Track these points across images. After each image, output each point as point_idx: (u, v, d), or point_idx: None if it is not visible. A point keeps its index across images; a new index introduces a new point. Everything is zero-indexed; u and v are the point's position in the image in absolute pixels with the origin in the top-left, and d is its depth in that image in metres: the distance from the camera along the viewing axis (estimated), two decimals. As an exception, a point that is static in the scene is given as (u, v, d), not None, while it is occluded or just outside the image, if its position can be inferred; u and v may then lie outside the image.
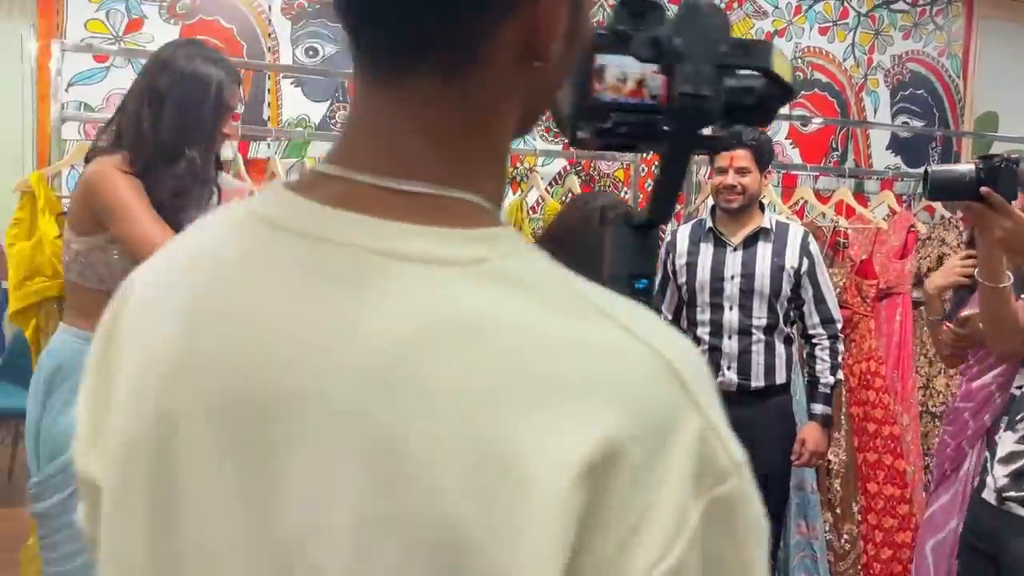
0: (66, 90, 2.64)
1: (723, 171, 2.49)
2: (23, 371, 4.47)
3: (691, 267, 2.63)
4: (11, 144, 5.50)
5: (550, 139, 3.20)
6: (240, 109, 2.87)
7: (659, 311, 2.77)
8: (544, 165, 3.24)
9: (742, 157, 2.43)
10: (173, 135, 1.77)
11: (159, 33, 2.76)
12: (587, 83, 0.60)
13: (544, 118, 0.58)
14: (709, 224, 2.66)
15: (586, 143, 0.64)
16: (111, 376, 0.55)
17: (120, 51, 2.69)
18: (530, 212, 2.94)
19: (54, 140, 2.42)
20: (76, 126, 2.58)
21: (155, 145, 1.77)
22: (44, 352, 1.88)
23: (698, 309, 2.60)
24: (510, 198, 3.18)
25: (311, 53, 2.96)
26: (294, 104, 2.95)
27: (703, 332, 2.60)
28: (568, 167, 3.24)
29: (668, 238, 2.79)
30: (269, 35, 2.91)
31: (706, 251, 2.63)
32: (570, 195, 2.98)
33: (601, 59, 0.60)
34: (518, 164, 3.22)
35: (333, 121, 2.99)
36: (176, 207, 1.79)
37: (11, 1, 5.27)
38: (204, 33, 2.82)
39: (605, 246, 0.65)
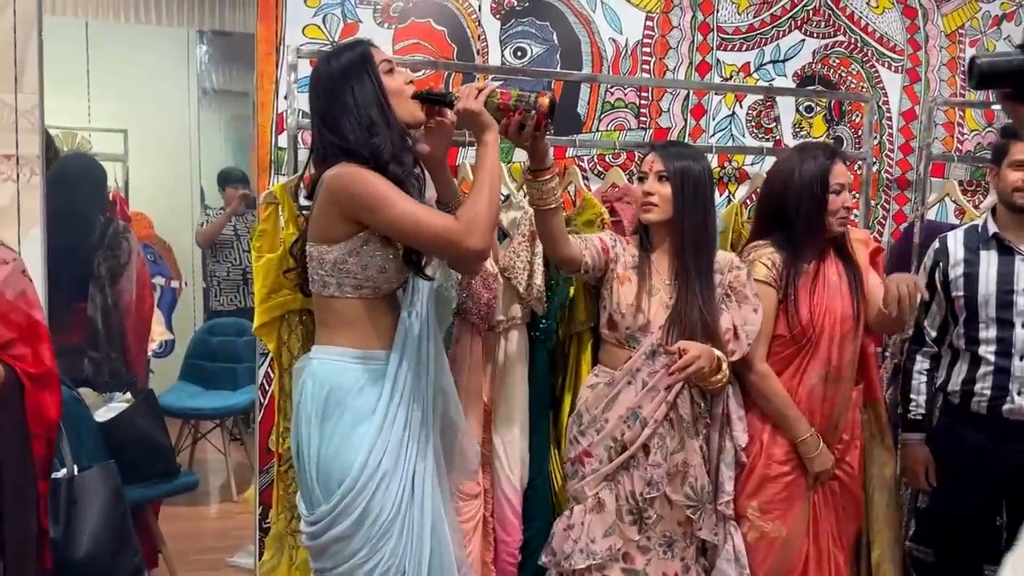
0: (284, 97, 2.62)
1: (1020, 165, 2.28)
2: (204, 372, 4.60)
3: (971, 278, 2.41)
4: (178, 145, 5.67)
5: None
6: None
7: (920, 326, 2.56)
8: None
9: None
10: (384, 134, 1.82)
11: (373, 37, 2.68)
12: None
13: None
14: (993, 229, 2.44)
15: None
16: None
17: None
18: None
19: (289, 148, 2.40)
20: (295, 134, 2.56)
21: (379, 144, 1.80)
22: (306, 376, 1.83)
23: (981, 325, 2.38)
24: (724, 201, 3.02)
25: (519, 54, 2.87)
26: (501, 107, 2.86)
27: (986, 351, 2.38)
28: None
29: (937, 245, 2.57)
30: (479, 37, 2.83)
31: (989, 259, 2.40)
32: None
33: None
34: (725, 164, 3.07)
35: (538, 123, 2.89)
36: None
37: (176, 4, 5.40)
38: (416, 36, 2.77)
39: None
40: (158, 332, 4.21)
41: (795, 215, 2.26)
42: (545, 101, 1.90)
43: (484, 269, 2.38)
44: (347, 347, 1.83)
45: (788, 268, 2.24)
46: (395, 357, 1.83)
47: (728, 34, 3.07)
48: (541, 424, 2.46)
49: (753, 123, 3.11)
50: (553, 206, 2.06)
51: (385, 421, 1.78)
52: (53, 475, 2.07)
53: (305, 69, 2.65)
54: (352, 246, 1.80)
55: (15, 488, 1.75)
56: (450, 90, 2.08)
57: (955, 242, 2.49)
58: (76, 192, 3.17)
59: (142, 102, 5.53)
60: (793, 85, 3.12)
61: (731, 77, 3.06)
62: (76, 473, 2.20)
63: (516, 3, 2.85)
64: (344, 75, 1.83)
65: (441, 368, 1.97)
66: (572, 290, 2.48)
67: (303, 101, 2.63)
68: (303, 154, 2.48)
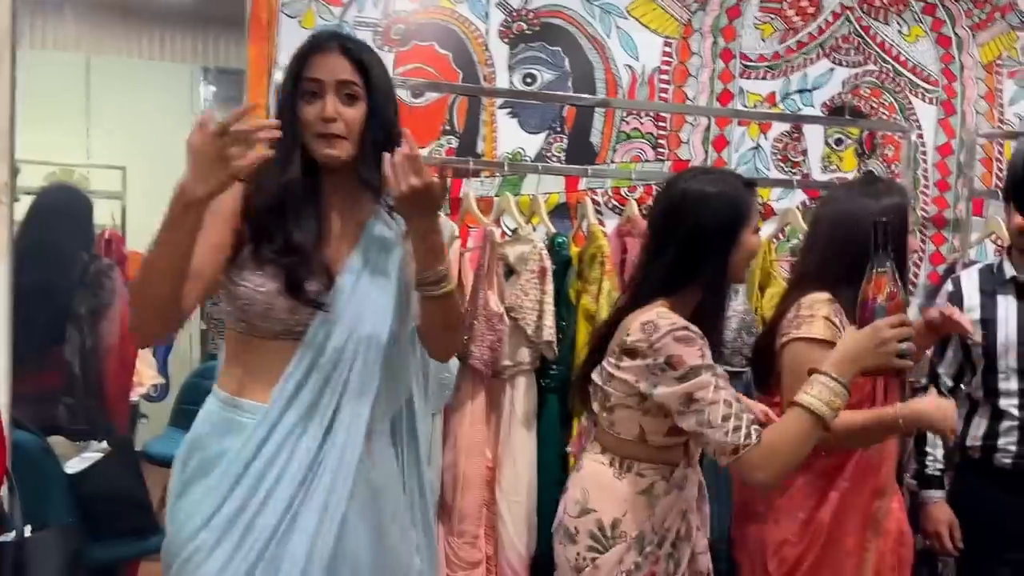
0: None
1: None
2: (195, 418, 4.37)
3: (988, 325, 2.20)
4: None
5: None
6: (454, 144, 2.66)
7: (935, 375, 2.32)
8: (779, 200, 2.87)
9: None
10: None
11: (373, 61, 2.54)
12: None
13: None
14: (1011, 272, 2.22)
15: None
16: None
17: None
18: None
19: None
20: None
21: None
22: None
23: (1000, 376, 2.18)
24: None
25: (528, 80, 2.69)
26: (510, 136, 2.68)
27: (1008, 404, 2.18)
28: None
29: (950, 287, 2.35)
30: (486, 62, 2.65)
31: (1007, 306, 2.20)
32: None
33: None
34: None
35: (549, 154, 2.71)
36: None
37: (180, 41, 5.31)
38: (419, 60, 2.59)
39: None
40: (148, 376, 4.01)
41: None
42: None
43: (488, 308, 2.17)
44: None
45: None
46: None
47: (752, 61, 2.89)
48: (551, 484, 2.22)
49: (779, 156, 2.91)
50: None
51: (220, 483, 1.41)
52: (-1, 539, 1.85)
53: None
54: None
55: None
56: None
57: (969, 284, 2.27)
58: (55, 225, 3.00)
59: (143, 139, 5.41)
60: (822, 116, 2.94)
61: (755, 107, 2.88)
62: (27, 536, 1.97)
63: (526, 27, 2.68)
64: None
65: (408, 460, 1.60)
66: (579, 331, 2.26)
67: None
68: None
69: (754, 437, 1.50)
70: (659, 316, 1.57)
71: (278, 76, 2.37)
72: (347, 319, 1.44)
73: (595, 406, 1.68)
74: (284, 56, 2.47)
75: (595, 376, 1.66)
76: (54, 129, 4.90)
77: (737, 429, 1.50)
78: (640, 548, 1.61)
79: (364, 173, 1.46)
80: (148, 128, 5.37)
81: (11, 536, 1.97)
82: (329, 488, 1.41)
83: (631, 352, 1.58)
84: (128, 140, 5.33)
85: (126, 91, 5.36)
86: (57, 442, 2.71)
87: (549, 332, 2.20)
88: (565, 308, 2.28)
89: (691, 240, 1.61)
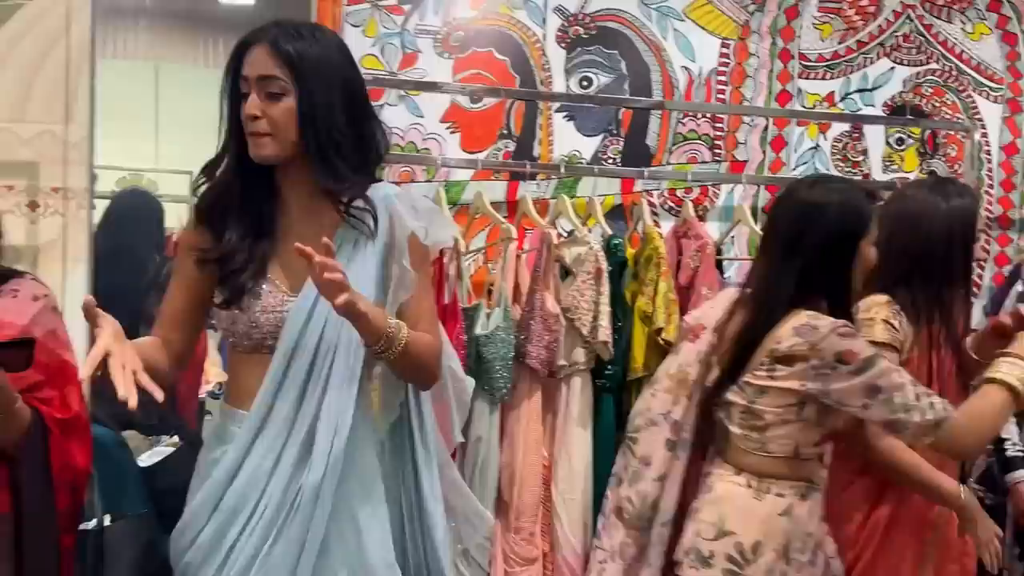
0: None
1: None
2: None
3: None
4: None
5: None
6: (511, 147, 2.70)
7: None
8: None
9: None
10: None
11: (433, 67, 2.60)
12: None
13: None
14: None
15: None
16: None
17: (417, 84, 2.55)
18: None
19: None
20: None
21: None
22: None
23: None
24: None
25: (585, 83, 2.72)
26: (566, 139, 2.71)
27: None
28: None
29: (1020, 287, 2.31)
30: (543, 66, 2.69)
31: None
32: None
33: None
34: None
35: (605, 156, 2.73)
36: None
37: (133, 35, 5.41)
38: (477, 66, 2.64)
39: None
40: (214, 374, 4.12)
41: (939, 265, 1.85)
42: None
43: (545, 309, 2.20)
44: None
45: (918, 329, 1.85)
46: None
47: (811, 62, 2.87)
48: (607, 483, 2.24)
49: (839, 156, 2.89)
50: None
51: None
52: (80, 527, 1.93)
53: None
54: None
55: (37, 543, 1.61)
56: None
57: None
58: (129, 229, 3.11)
59: (208, 144, 5.55)
60: (883, 115, 2.90)
61: (814, 107, 2.86)
62: (106, 524, 2.06)
63: (583, 31, 2.70)
64: None
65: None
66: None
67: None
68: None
69: (949, 408, 1.55)
70: (812, 318, 1.58)
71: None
72: (314, 327, 1.37)
73: (733, 428, 1.66)
74: (347, 63, 2.54)
75: (734, 397, 1.65)
76: (125, 135, 5.07)
77: (933, 405, 1.54)
78: (787, 558, 1.62)
79: (320, 179, 1.36)
80: (213, 134, 5.53)
81: (92, 524, 2.06)
82: (312, 504, 1.36)
83: (787, 359, 1.58)
84: (194, 145, 5.48)
85: (192, 97, 5.52)
86: (130, 436, 2.81)
87: (605, 333, 2.22)
88: (621, 309, 2.30)
89: (818, 250, 1.61)
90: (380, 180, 1.49)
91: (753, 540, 1.60)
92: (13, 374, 1.49)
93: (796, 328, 1.58)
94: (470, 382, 1.69)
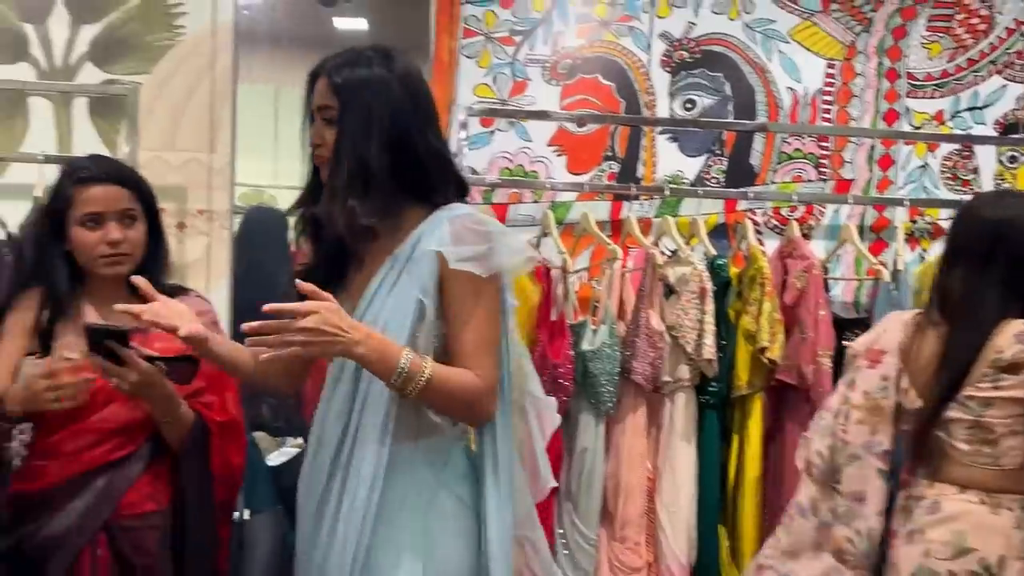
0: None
1: None
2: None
3: None
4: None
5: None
6: (615, 168, 2.79)
7: None
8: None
9: None
10: None
11: (541, 95, 2.72)
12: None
13: None
14: None
15: None
16: None
17: (529, 113, 2.68)
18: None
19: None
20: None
21: None
22: None
23: None
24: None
25: (689, 105, 2.79)
26: (669, 159, 2.79)
27: None
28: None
29: None
30: (647, 90, 2.78)
31: None
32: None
33: None
34: (917, 218, 2.84)
35: (708, 176, 2.80)
36: None
37: (255, 61, 5.65)
38: (583, 92, 2.75)
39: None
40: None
41: None
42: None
43: (650, 327, 2.28)
44: None
45: None
46: None
47: (919, 80, 2.85)
48: (710, 497, 2.31)
49: (948, 174, 2.86)
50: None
51: None
52: (228, 520, 2.12)
53: (475, 127, 2.69)
54: None
55: (199, 533, 1.80)
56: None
57: None
58: (260, 244, 3.32)
59: (323, 162, 5.82)
60: (994, 133, 2.85)
61: (922, 126, 2.84)
62: (246, 518, 2.25)
63: (687, 55, 2.78)
64: None
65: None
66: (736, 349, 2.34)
67: (474, 159, 2.68)
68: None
69: None
70: None
71: (460, 115, 2.59)
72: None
73: (960, 445, 1.66)
74: (464, 95, 2.69)
75: (956, 413, 1.65)
76: (246, 154, 5.38)
77: None
78: None
79: (351, 201, 1.42)
80: (327, 151, 5.80)
81: (235, 516, 2.26)
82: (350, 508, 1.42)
83: (1012, 367, 1.61)
84: (308, 163, 5.76)
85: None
86: (260, 437, 3.03)
87: (709, 351, 2.28)
88: (724, 328, 2.35)
89: (1018, 260, 1.66)
90: (451, 203, 1.46)
91: (998, 555, 1.61)
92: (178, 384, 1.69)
93: (1017, 335, 1.60)
94: (550, 401, 1.64)
